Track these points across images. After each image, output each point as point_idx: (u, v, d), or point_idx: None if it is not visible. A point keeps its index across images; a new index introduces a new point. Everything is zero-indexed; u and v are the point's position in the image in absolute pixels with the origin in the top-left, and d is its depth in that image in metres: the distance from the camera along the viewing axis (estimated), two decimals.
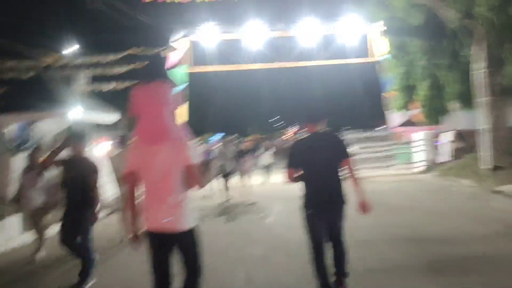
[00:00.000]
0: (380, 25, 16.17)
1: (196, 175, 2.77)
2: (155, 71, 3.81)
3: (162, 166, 2.72)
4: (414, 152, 15.22)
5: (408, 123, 18.78)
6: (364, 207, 3.51)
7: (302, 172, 3.52)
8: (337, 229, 3.56)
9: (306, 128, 3.61)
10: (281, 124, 59.50)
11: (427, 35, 13.89)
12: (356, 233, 5.23)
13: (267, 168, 14.70)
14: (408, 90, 15.94)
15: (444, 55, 13.72)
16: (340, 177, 3.51)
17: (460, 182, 11.21)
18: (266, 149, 15.79)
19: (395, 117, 19.22)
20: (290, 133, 48.15)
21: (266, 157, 14.98)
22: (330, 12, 20.02)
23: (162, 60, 4.21)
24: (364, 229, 5.95)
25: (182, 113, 18.86)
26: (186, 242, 2.83)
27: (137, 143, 2.83)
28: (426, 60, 14.49)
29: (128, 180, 2.85)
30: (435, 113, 15.07)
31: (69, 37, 14.97)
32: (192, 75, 19.95)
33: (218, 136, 41.78)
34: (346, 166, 3.51)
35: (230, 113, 45.79)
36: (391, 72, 16.96)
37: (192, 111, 20.25)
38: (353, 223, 4.05)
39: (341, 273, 3.60)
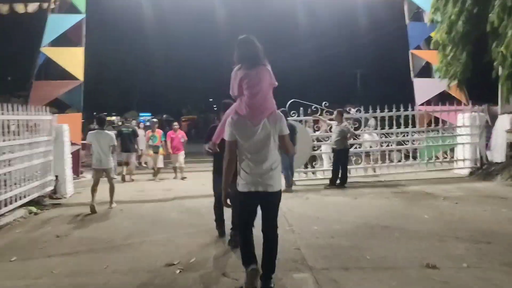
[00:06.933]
0: None
1: (288, 144, 3.50)
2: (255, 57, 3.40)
3: (261, 137, 3.35)
4: (454, 144, 10.91)
5: (442, 98, 11.90)
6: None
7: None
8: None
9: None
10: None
11: None
12: None
13: None
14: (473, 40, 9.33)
15: None
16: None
17: None
18: None
19: (423, 88, 12.33)
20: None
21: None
22: None
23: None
24: None
25: (77, 70, 11.46)
26: (272, 201, 3.46)
27: (239, 116, 3.39)
28: None
29: (230, 147, 3.42)
30: None
31: None
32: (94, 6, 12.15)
33: (146, 116, 32.80)
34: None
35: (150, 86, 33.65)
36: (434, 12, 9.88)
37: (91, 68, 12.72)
38: None
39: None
